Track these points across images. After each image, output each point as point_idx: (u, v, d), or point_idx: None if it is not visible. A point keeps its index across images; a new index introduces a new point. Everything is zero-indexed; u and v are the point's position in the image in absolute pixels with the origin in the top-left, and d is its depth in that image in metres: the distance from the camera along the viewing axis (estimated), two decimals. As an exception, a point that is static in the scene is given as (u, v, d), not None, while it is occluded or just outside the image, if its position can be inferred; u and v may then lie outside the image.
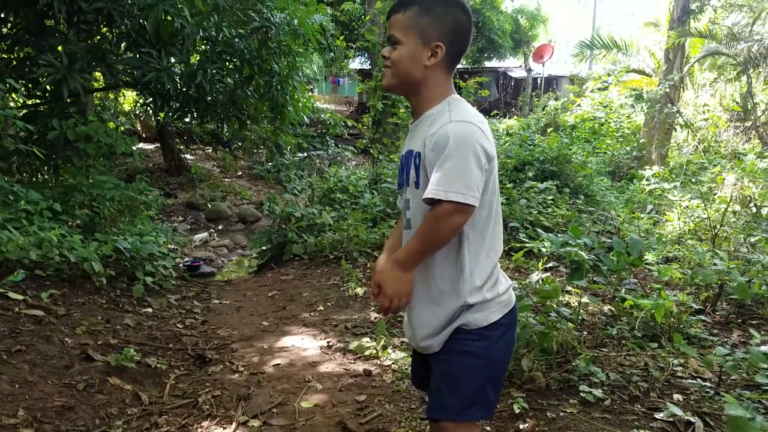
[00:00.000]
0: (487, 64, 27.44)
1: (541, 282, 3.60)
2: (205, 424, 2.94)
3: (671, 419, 2.66)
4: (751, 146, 11.45)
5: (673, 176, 8.81)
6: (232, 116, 7.43)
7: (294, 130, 9.41)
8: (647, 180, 8.43)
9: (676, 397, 2.91)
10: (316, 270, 6.12)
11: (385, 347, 3.79)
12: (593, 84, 15.55)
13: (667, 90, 11.23)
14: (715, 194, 7.33)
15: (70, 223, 5.34)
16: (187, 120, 8.59)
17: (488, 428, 2.73)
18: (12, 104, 6.02)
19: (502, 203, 3.27)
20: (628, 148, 11.98)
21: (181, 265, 6.85)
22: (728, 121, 12.41)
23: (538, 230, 4.10)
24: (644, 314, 3.68)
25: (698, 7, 12.24)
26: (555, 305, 3.59)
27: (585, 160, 8.90)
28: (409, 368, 3.41)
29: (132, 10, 5.68)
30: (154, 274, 5.31)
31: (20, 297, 3.83)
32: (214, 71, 6.33)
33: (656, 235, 5.64)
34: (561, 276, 5.14)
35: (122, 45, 6.24)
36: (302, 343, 4.08)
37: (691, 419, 2.64)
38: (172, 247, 7.30)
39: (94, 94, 11.06)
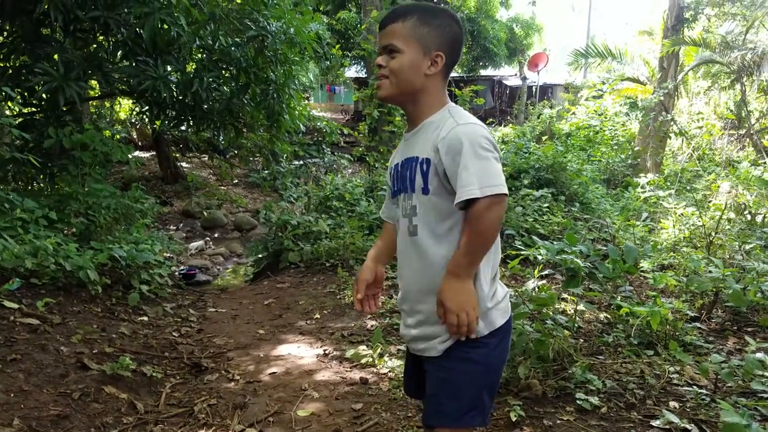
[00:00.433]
0: (483, 72, 27.59)
1: (537, 289, 3.61)
2: (201, 433, 2.93)
3: (668, 427, 2.66)
4: (746, 154, 11.51)
5: (668, 184, 8.84)
6: (229, 124, 7.44)
7: (290, 138, 9.44)
8: (642, 188, 8.46)
9: (673, 404, 2.92)
10: (313, 278, 6.12)
11: (381, 355, 3.79)
12: (588, 92, 15.63)
13: (662, 98, 11.29)
14: (709, 202, 7.36)
15: (65, 232, 5.33)
16: (183, 128, 8.57)
17: (485, 436, 2.72)
18: (8, 112, 6.02)
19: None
20: (622, 156, 12.02)
21: (176, 273, 6.84)
22: (722, 129, 12.47)
23: (534, 238, 4.12)
24: (640, 322, 3.69)
25: (692, 15, 12.32)
26: (551, 313, 3.59)
27: (580, 168, 8.94)
28: (406, 376, 3.41)
29: (128, 18, 5.70)
30: (149, 282, 5.30)
31: (15, 306, 3.82)
32: (211, 79, 6.35)
33: (651, 243, 5.65)
34: (557, 283, 5.15)
35: (118, 53, 6.26)
36: (298, 352, 4.08)
37: (688, 427, 2.64)
38: (168, 255, 7.28)
39: (90, 103, 11.07)
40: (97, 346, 3.73)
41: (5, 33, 6.10)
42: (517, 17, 28.25)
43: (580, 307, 3.93)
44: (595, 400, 2.91)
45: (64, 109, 5.79)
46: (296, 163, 14.83)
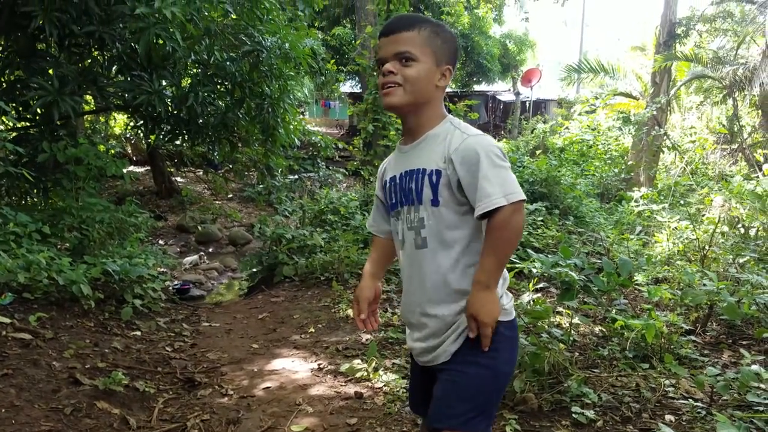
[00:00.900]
0: (476, 87, 27.80)
1: (532, 303, 3.61)
2: (194, 448, 2.91)
3: (663, 440, 2.66)
4: (738, 168, 11.58)
5: (662, 198, 8.87)
6: (223, 139, 7.44)
7: (285, 153, 9.42)
8: (636, 201, 8.49)
9: (668, 417, 2.91)
10: (307, 292, 6.10)
11: (376, 369, 3.77)
12: (581, 107, 15.72)
13: (654, 113, 11.39)
14: (703, 215, 7.39)
15: (59, 246, 5.30)
16: (177, 142, 8.56)
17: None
18: (2, 127, 6.00)
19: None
20: (616, 170, 12.09)
21: (170, 287, 6.80)
22: (715, 144, 12.55)
23: (529, 251, 4.12)
24: (635, 335, 3.69)
25: (684, 31, 12.47)
26: (546, 326, 3.59)
27: (574, 182, 8.98)
28: (401, 390, 3.39)
29: (123, 33, 5.71)
30: (143, 296, 5.27)
31: (7, 320, 3.79)
32: (206, 94, 6.36)
33: (645, 256, 5.66)
34: (552, 297, 5.15)
35: (113, 68, 6.25)
36: (293, 366, 4.05)
37: (684, 440, 2.64)
38: (162, 269, 7.25)
39: (85, 117, 11.06)
40: (90, 361, 3.70)
41: (0, 47, 6.11)
42: (510, 33, 28.52)
43: (575, 320, 3.93)
44: (590, 413, 2.90)
45: (59, 123, 5.78)
46: (291, 177, 14.80)
